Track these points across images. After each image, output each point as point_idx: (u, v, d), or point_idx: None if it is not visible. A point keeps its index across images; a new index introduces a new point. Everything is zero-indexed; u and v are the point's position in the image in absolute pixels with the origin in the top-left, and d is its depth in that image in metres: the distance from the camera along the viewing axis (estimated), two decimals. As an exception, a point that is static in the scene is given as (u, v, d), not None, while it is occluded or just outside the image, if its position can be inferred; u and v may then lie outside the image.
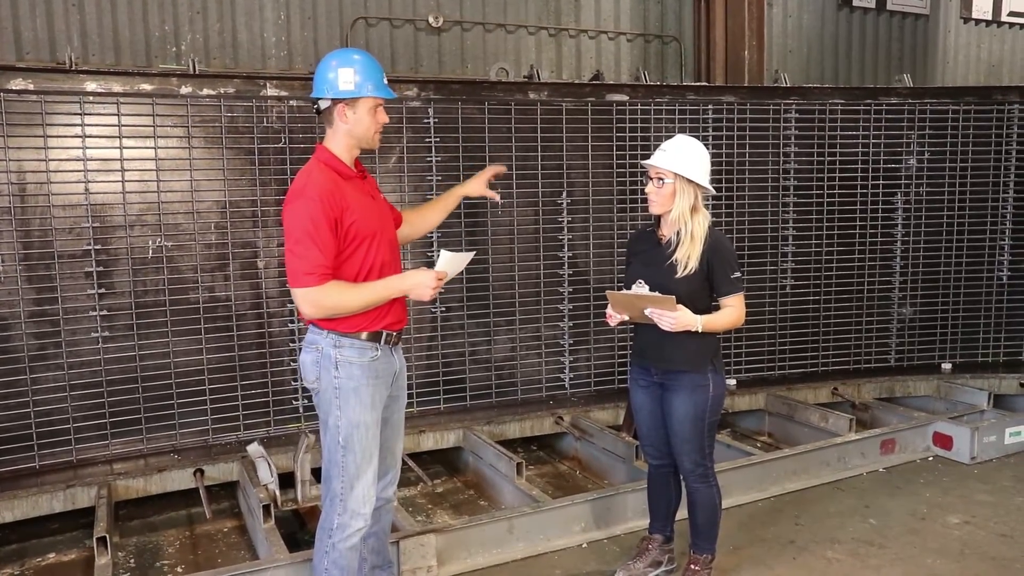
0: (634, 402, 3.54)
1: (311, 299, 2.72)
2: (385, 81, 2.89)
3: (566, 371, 5.49)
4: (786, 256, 5.90)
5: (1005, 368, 6.14)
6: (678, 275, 3.24)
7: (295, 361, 4.72)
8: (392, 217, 3.11)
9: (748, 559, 3.81)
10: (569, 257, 5.41)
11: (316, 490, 4.14)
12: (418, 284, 2.83)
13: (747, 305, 3.45)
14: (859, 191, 5.98)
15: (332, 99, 2.80)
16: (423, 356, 5.10)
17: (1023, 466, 4.93)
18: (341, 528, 2.87)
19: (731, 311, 3.31)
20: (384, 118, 2.92)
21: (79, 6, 5.55)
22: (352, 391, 2.83)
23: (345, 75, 2.78)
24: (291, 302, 4.70)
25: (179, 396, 4.52)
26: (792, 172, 5.86)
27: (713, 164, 5.43)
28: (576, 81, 6.76)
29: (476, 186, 3.42)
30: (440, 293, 3.13)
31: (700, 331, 3.20)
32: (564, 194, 5.37)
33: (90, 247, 4.29)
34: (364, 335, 2.84)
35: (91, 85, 4.24)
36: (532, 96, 5.24)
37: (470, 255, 3.05)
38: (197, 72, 4.52)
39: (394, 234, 3.06)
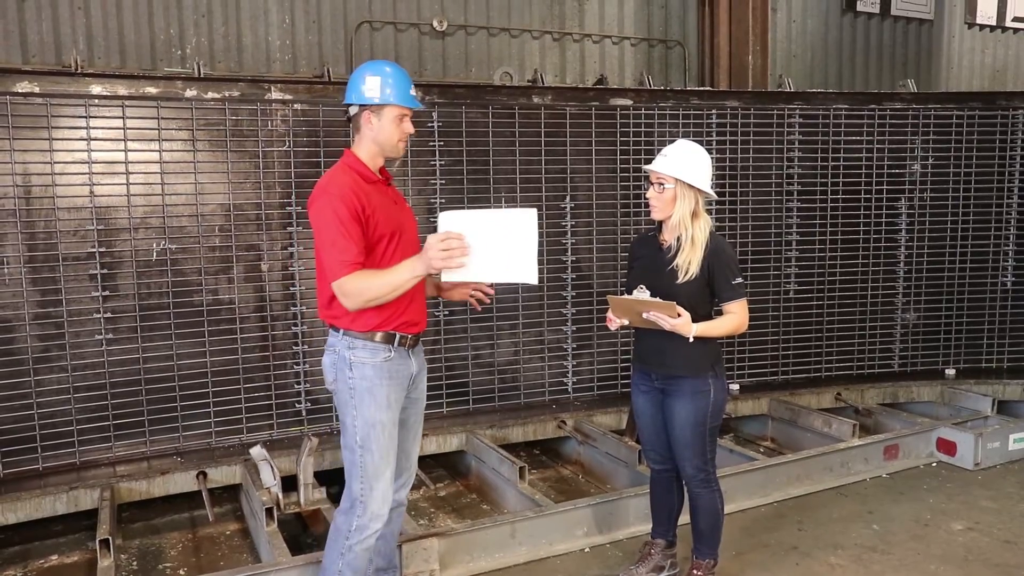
0: (636, 407, 3.54)
1: (344, 289, 2.75)
2: (412, 93, 2.96)
3: (569, 375, 5.49)
4: (789, 261, 5.90)
5: (1009, 374, 6.12)
6: (679, 281, 3.24)
7: (298, 364, 4.74)
8: (415, 225, 3.12)
9: (751, 564, 3.80)
10: (572, 261, 5.41)
11: (319, 493, 4.15)
12: (432, 255, 2.64)
13: (750, 310, 3.44)
14: (863, 196, 5.98)
15: (359, 105, 2.90)
16: (426, 360, 5.09)
17: (1027, 472, 4.93)
18: (360, 530, 2.90)
19: (732, 317, 3.30)
20: (410, 128, 2.98)
21: (85, 9, 5.57)
22: (366, 391, 2.87)
23: (372, 83, 2.88)
24: (294, 305, 4.71)
25: (182, 399, 4.53)
26: (796, 177, 5.86)
27: (717, 169, 5.48)
28: (580, 85, 6.77)
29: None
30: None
31: (691, 339, 3.19)
32: (567, 198, 5.37)
33: (94, 249, 4.30)
34: (378, 336, 2.87)
35: (96, 88, 4.26)
36: (536, 100, 5.25)
37: (512, 214, 2.65)
38: (202, 75, 4.54)
39: (416, 238, 3.06)
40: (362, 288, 2.75)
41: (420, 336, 3.05)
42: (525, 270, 2.67)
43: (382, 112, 2.90)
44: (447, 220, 2.71)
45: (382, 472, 2.91)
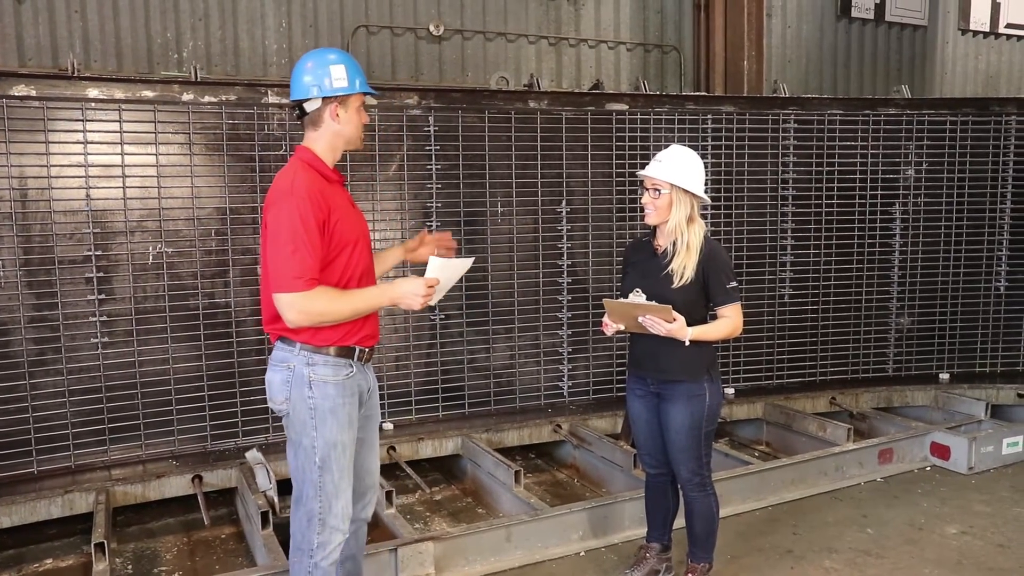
0: (631, 412, 3.55)
1: (299, 306, 2.59)
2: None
3: (565, 379, 5.50)
4: (784, 265, 5.92)
5: (1003, 378, 6.15)
6: (674, 285, 3.26)
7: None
8: (367, 228, 2.99)
9: (745, 568, 3.81)
10: (568, 265, 5.42)
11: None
12: (407, 293, 2.72)
13: (745, 314, 3.46)
14: (857, 201, 6.00)
15: (323, 99, 2.72)
16: (422, 364, 5.11)
17: (1020, 476, 4.94)
18: (323, 546, 2.78)
19: (726, 321, 3.32)
20: (366, 118, 2.86)
21: (82, 12, 5.58)
22: (329, 411, 2.72)
23: (337, 72, 2.70)
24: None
25: (178, 402, 4.52)
26: (791, 182, 5.88)
27: (712, 174, 5.51)
28: (576, 90, 6.79)
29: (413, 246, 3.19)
30: (440, 301, 3.09)
31: (687, 343, 3.21)
32: (563, 202, 5.39)
33: (91, 253, 4.30)
34: (333, 350, 2.73)
35: (93, 91, 4.26)
36: (532, 105, 5.27)
37: (467, 262, 2.95)
38: (199, 79, 4.54)
39: (370, 242, 2.95)
40: (326, 309, 2.64)
41: (375, 349, 2.93)
42: (438, 298, 2.92)
43: (348, 102, 2.74)
44: (436, 267, 2.79)
45: (343, 491, 2.78)
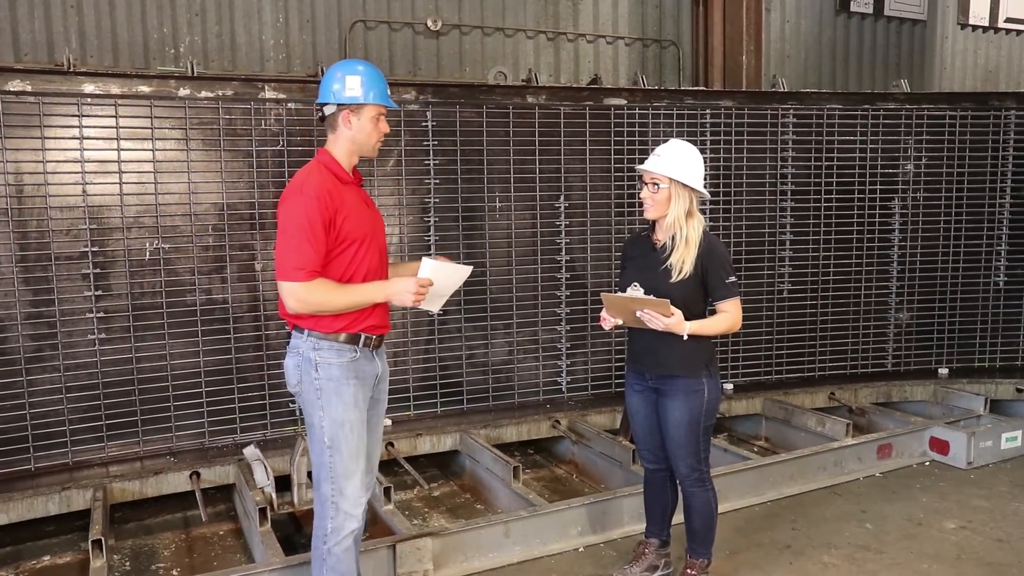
0: (629, 407, 3.54)
1: (297, 294, 2.77)
2: (388, 92, 2.98)
3: (563, 375, 5.49)
4: (783, 260, 5.91)
5: (1001, 373, 6.15)
6: (673, 280, 3.25)
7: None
8: (383, 227, 3.14)
9: (745, 564, 3.81)
10: (566, 261, 5.41)
11: (312, 493, 4.13)
12: (399, 290, 2.87)
13: (744, 309, 3.45)
14: (856, 196, 5.99)
15: (337, 105, 2.90)
16: (420, 360, 5.10)
17: (1019, 471, 4.94)
18: (335, 532, 2.90)
19: (725, 316, 3.31)
20: (385, 128, 3.00)
21: (78, 7, 5.55)
22: (333, 391, 2.87)
23: (351, 82, 2.89)
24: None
25: (176, 398, 4.51)
26: (789, 177, 5.87)
27: (711, 168, 5.49)
28: (574, 85, 6.78)
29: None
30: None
31: (685, 338, 3.20)
32: (562, 198, 5.37)
33: (87, 249, 4.29)
34: (342, 336, 2.88)
35: (89, 87, 4.24)
36: (530, 100, 5.25)
37: (466, 270, 3.06)
38: (195, 74, 4.52)
39: (384, 243, 3.09)
40: (323, 300, 2.80)
41: (384, 338, 3.05)
42: (439, 304, 3.06)
43: (362, 112, 2.90)
44: (428, 268, 2.91)
45: (352, 472, 2.90)
